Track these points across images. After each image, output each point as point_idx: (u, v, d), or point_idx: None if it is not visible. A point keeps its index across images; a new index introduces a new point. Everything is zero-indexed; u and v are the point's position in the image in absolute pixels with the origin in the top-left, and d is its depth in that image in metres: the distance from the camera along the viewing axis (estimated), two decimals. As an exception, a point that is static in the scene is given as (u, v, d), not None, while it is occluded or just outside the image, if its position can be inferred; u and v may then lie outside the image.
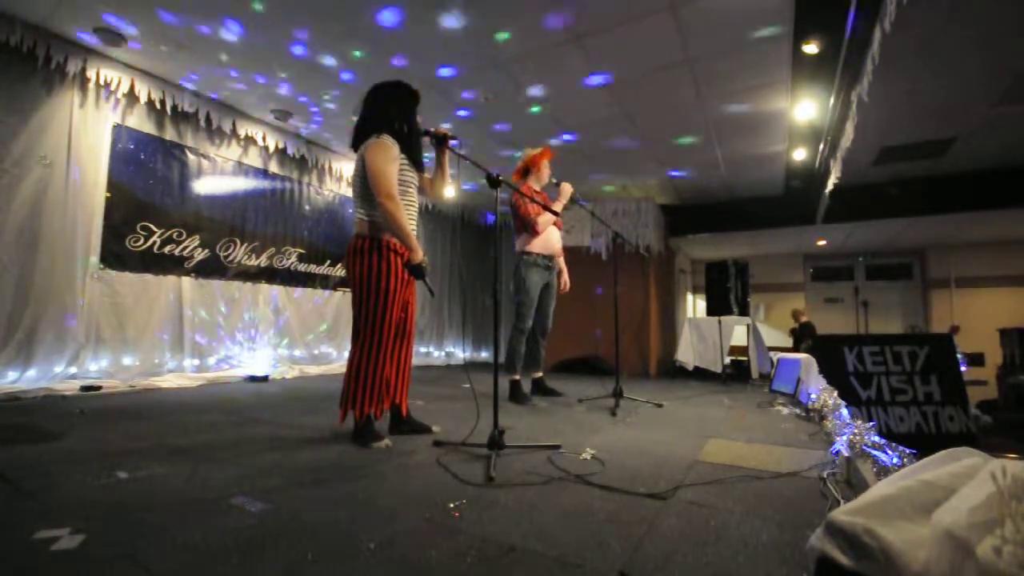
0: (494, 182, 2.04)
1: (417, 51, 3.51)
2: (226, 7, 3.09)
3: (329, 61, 3.67)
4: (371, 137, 2.09)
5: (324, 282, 5.34)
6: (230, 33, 3.36)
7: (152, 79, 3.95)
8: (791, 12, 2.96)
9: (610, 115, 4.36)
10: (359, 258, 2.07)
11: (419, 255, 2.05)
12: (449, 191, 2.41)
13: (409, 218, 2.10)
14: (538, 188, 3.49)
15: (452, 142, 2.26)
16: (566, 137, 4.87)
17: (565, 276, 3.69)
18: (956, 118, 4.06)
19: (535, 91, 4.00)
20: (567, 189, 3.37)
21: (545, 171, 3.49)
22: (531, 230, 3.39)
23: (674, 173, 5.84)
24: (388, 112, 2.16)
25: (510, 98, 4.11)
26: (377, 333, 2.05)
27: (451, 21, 3.15)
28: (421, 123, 2.27)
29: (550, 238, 3.47)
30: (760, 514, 1.36)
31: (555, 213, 3.18)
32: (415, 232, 2.15)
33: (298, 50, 3.53)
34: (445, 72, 3.78)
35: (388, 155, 2.04)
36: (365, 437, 2.05)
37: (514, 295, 3.44)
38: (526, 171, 3.48)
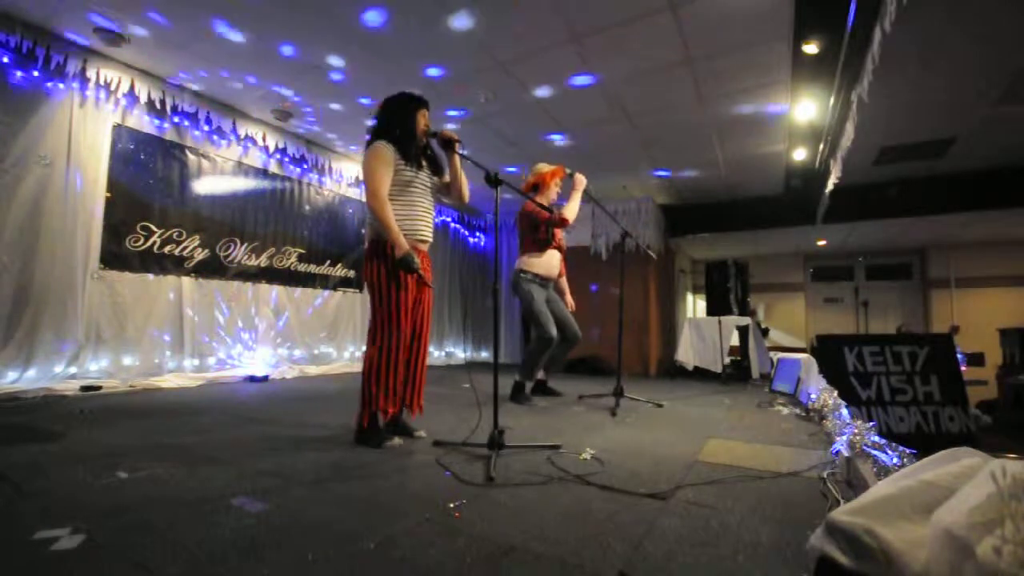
0: (493, 181, 2.04)
1: (412, 50, 3.51)
2: (222, 8, 3.08)
3: (326, 62, 3.67)
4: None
5: (324, 282, 5.34)
6: (232, 33, 3.36)
7: (152, 79, 3.95)
8: (791, 12, 2.96)
9: (610, 115, 4.36)
10: (368, 262, 2.16)
11: (400, 250, 2.03)
12: (467, 193, 2.39)
13: (407, 217, 2.15)
14: (545, 205, 3.41)
15: (459, 144, 2.24)
16: (565, 136, 4.86)
17: (568, 298, 3.67)
18: (956, 118, 4.05)
19: (535, 91, 4.00)
20: (581, 180, 3.28)
21: (553, 189, 3.45)
22: (553, 229, 3.35)
23: (674, 173, 5.84)
24: (386, 121, 2.21)
25: (510, 98, 4.11)
26: (384, 334, 2.08)
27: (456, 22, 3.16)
28: (427, 125, 2.26)
29: (552, 262, 3.44)
30: (760, 514, 1.36)
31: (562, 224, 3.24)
32: (429, 230, 2.24)
33: (291, 51, 3.53)
34: (434, 72, 3.78)
35: (377, 159, 2.09)
36: (375, 438, 2.06)
37: (523, 310, 3.40)
38: (534, 187, 3.44)
